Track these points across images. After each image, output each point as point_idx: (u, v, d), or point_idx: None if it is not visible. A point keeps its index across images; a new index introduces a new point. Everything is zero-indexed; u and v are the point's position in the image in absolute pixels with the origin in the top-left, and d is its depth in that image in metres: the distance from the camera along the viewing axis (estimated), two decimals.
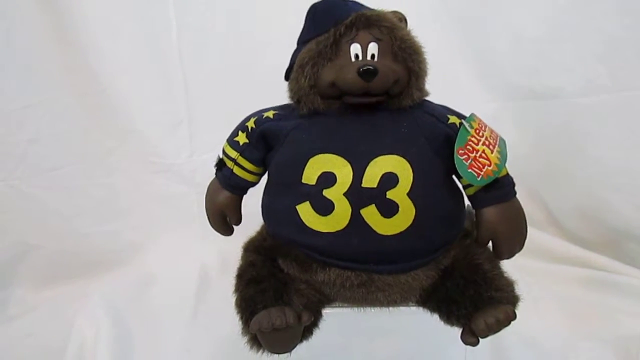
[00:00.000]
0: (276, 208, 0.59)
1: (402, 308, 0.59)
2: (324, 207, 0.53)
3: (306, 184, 0.54)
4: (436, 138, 0.55)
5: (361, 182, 0.52)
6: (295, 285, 0.56)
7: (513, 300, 0.54)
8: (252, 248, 0.62)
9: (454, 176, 0.58)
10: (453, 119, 0.56)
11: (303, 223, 0.54)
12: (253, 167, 0.61)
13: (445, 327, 0.57)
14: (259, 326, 0.49)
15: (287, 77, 0.60)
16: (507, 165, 0.56)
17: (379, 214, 0.52)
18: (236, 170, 0.61)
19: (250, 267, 0.58)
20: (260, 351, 0.54)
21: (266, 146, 0.60)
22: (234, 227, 0.66)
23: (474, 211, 0.60)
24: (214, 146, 0.66)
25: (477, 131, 0.55)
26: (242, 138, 0.60)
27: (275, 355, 0.55)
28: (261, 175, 0.63)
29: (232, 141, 0.61)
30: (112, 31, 1.08)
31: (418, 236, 0.53)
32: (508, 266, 0.59)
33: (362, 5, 0.58)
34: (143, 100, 1.14)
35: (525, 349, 0.80)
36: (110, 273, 1.11)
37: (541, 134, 1.12)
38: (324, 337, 0.58)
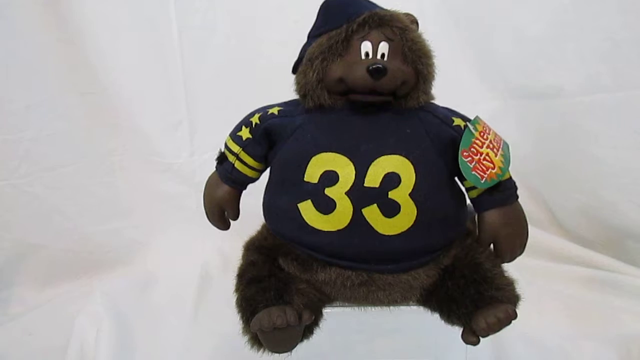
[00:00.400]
0: (277, 206, 0.58)
1: (402, 307, 0.59)
2: (326, 206, 0.53)
3: (308, 182, 0.54)
4: (440, 140, 0.55)
5: (363, 182, 0.52)
6: (296, 285, 0.56)
7: (514, 299, 0.54)
8: (253, 247, 0.62)
9: (456, 178, 0.58)
10: (458, 122, 0.57)
11: (304, 221, 0.54)
12: (255, 163, 0.61)
13: (446, 326, 0.57)
14: (260, 325, 0.49)
15: (294, 70, 0.60)
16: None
17: (381, 214, 0.52)
18: (237, 165, 0.61)
19: (251, 267, 0.58)
20: (261, 350, 0.54)
21: (269, 143, 0.60)
22: (232, 222, 0.66)
23: (474, 211, 0.60)
24: (215, 146, 0.66)
25: (482, 134, 0.56)
26: (245, 133, 0.60)
27: (276, 355, 0.55)
28: (262, 171, 0.63)
29: (235, 135, 0.61)
30: (113, 31, 1.08)
31: (419, 236, 0.53)
32: (509, 265, 0.59)
33: (375, 5, 0.58)
34: (144, 100, 1.14)
35: (526, 348, 0.80)
36: (111, 272, 1.12)
37: (542, 133, 1.12)
38: (324, 337, 0.58)
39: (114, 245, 1.16)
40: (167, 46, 1.13)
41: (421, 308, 0.59)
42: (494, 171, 0.54)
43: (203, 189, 0.65)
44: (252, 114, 0.61)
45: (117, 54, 1.09)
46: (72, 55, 1.06)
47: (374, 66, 0.51)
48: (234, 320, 0.56)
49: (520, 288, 0.56)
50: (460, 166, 0.54)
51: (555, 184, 1.13)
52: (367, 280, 0.55)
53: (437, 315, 0.57)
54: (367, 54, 0.54)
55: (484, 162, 0.54)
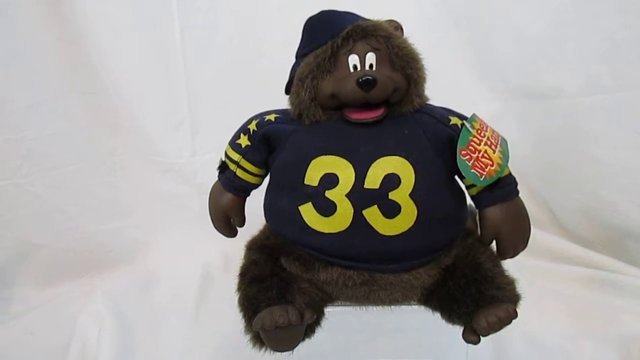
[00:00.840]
0: (279, 208, 0.59)
1: (404, 307, 0.59)
2: (327, 208, 0.53)
3: (309, 185, 0.54)
4: (438, 139, 0.56)
5: (363, 183, 0.52)
6: (297, 284, 0.56)
7: (514, 298, 0.55)
8: (255, 247, 0.62)
9: (456, 177, 0.58)
10: (454, 120, 0.57)
11: (305, 224, 0.54)
12: (255, 169, 0.62)
13: (447, 325, 0.57)
14: (262, 324, 0.50)
15: (287, 91, 0.61)
16: (508, 164, 0.57)
17: (381, 215, 0.52)
18: (239, 172, 0.62)
19: (253, 266, 0.58)
20: (263, 349, 0.54)
21: (268, 148, 0.60)
22: (238, 228, 0.67)
23: (476, 210, 0.60)
24: (216, 146, 0.66)
25: (479, 131, 0.56)
26: (244, 140, 0.61)
27: (278, 354, 0.55)
28: (263, 177, 0.64)
29: (234, 144, 0.62)
30: (115, 31, 1.08)
31: (420, 236, 0.54)
32: (509, 265, 0.59)
33: (357, 16, 0.59)
34: (146, 100, 1.14)
35: (527, 347, 0.80)
36: (112, 272, 1.12)
37: (543, 133, 1.12)
38: (326, 336, 0.58)
39: (116, 245, 1.16)
40: (169, 46, 1.13)
41: (422, 307, 0.59)
42: (492, 168, 0.54)
43: (205, 189, 0.66)
44: (249, 121, 0.61)
45: (118, 53, 1.09)
46: (74, 55, 1.06)
47: (363, 78, 0.52)
48: (235, 319, 0.56)
49: (521, 288, 0.56)
50: (458, 165, 0.54)
51: (555, 184, 1.14)
52: (368, 279, 0.55)
53: (438, 315, 0.57)
54: (355, 67, 0.55)
55: (482, 159, 0.54)
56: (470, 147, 0.54)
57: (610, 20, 0.95)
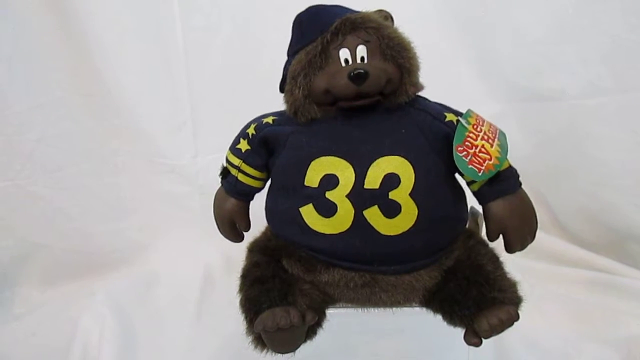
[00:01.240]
0: (279, 210, 0.59)
1: (405, 309, 0.59)
2: (327, 209, 0.53)
3: (309, 187, 0.54)
4: (435, 137, 0.55)
5: (363, 184, 0.52)
6: (299, 286, 0.56)
7: (516, 301, 0.55)
8: (257, 248, 0.62)
9: (457, 174, 0.58)
10: (450, 117, 0.57)
11: (306, 225, 0.55)
12: (257, 173, 0.62)
13: (448, 327, 0.57)
14: (264, 326, 0.50)
15: (281, 90, 0.61)
16: (508, 157, 0.56)
17: (382, 215, 0.52)
18: (240, 177, 0.62)
19: (255, 268, 0.58)
20: (265, 351, 0.54)
21: (268, 151, 0.61)
22: (244, 233, 0.67)
23: (477, 212, 0.60)
24: (218, 147, 0.66)
25: (475, 127, 0.55)
26: (244, 145, 0.61)
27: (279, 355, 0.55)
28: (265, 180, 0.64)
29: (234, 149, 0.62)
30: (117, 32, 1.08)
31: (421, 235, 0.54)
32: (511, 267, 0.59)
33: (346, 9, 0.58)
34: (148, 101, 1.14)
35: (528, 349, 0.80)
36: (115, 272, 1.12)
37: (544, 135, 1.12)
38: (327, 337, 0.58)
39: (118, 245, 1.17)
40: (170, 47, 1.13)
41: (423, 309, 0.59)
42: (491, 162, 0.54)
43: (207, 190, 0.66)
44: (247, 126, 0.62)
45: (120, 55, 1.10)
46: (76, 57, 1.06)
47: (354, 72, 0.52)
48: (237, 320, 0.56)
49: (522, 290, 0.56)
50: (455, 161, 0.53)
51: (557, 186, 1.13)
52: (370, 281, 0.55)
53: (439, 317, 0.57)
54: (346, 61, 0.55)
55: (480, 154, 0.54)
56: (466, 143, 0.54)
57: (611, 22, 0.95)
